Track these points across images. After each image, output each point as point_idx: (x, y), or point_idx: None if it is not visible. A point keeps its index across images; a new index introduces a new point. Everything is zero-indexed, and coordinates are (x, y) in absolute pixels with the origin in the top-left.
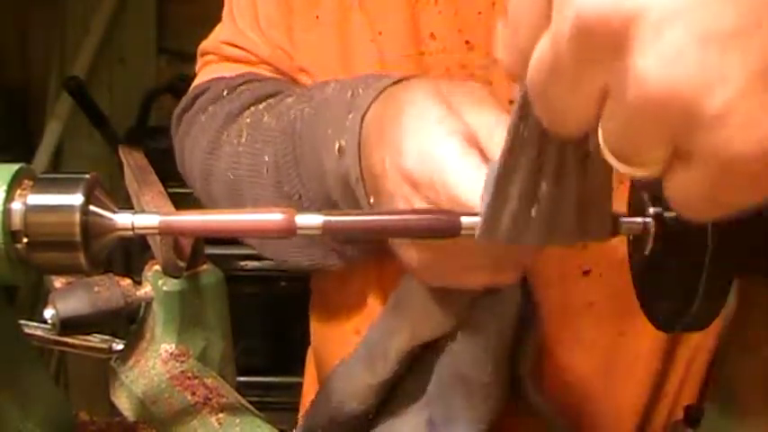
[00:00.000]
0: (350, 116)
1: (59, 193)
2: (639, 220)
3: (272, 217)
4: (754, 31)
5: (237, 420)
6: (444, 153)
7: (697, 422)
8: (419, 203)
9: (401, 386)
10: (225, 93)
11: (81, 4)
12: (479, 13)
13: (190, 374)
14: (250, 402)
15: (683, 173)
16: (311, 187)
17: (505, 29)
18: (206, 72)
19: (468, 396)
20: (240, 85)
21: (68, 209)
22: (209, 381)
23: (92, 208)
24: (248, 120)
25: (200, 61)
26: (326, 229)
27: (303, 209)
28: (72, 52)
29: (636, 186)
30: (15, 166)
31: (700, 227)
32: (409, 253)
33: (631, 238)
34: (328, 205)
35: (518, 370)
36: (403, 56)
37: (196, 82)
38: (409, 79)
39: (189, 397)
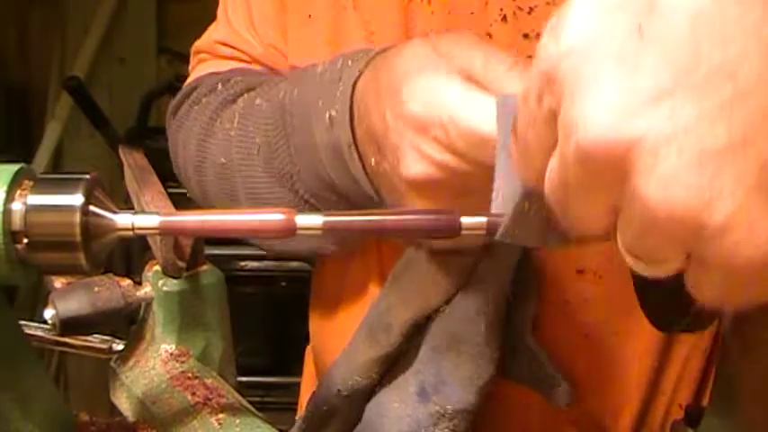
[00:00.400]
0: (340, 85)
1: (59, 193)
2: None
3: (273, 217)
4: (746, 146)
5: (237, 421)
6: (448, 91)
7: (697, 422)
8: (428, 147)
9: (404, 358)
10: (219, 85)
11: (81, 4)
12: (472, 13)
13: (190, 375)
14: (250, 402)
15: (700, 275)
16: (302, 163)
17: (517, 148)
18: (199, 70)
19: (460, 358)
20: (233, 77)
21: (68, 209)
22: (209, 381)
23: (92, 208)
24: (241, 105)
25: (193, 60)
26: (327, 229)
27: (293, 189)
28: (72, 52)
29: None
30: (15, 167)
31: None
32: (414, 203)
33: None
34: (318, 182)
35: (517, 333)
36: None
37: (189, 79)
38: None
39: (189, 397)
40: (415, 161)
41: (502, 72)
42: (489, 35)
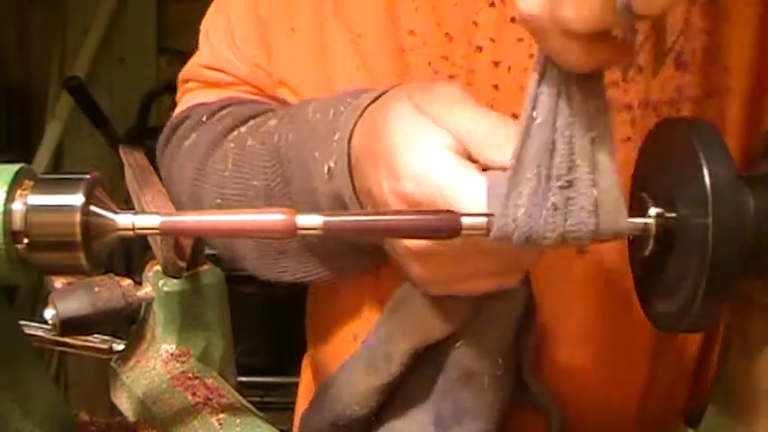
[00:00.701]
0: (335, 138)
1: (60, 193)
2: (639, 220)
3: (273, 217)
4: None
5: (238, 420)
6: (440, 171)
7: (697, 422)
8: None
9: (405, 387)
10: (205, 118)
11: (81, 4)
12: (455, 4)
13: (190, 375)
14: (250, 402)
15: None
16: (303, 207)
17: None
18: (186, 100)
19: (478, 390)
20: (220, 110)
21: (69, 209)
22: (209, 381)
23: (92, 208)
24: (232, 144)
25: (180, 89)
26: (327, 230)
27: None
28: (72, 52)
29: (635, 186)
30: (16, 167)
31: (700, 227)
32: (413, 268)
33: (631, 238)
34: None
35: (520, 361)
36: (384, 55)
37: (177, 110)
38: (386, 95)
39: (189, 397)
40: None
41: (487, 130)
42: (475, 24)
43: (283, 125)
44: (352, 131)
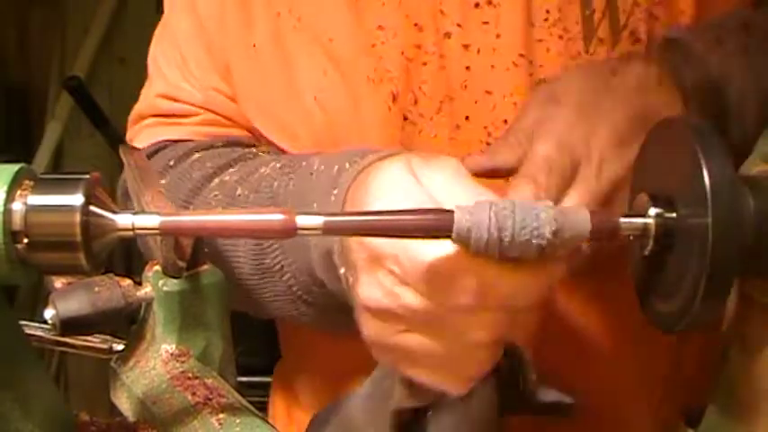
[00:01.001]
0: (334, 193)
1: (60, 193)
2: (639, 220)
3: (273, 217)
4: None
5: (238, 420)
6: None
7: (697, 422)
8: (383, 276)
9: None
10: (172, 163)
11: (81, 4)
12: None
13: (190, 375)
14: (250, 402)
15: None
16: (294, 259)
17: None
18: (144, 137)
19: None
20: (188, 153)
21: (69, 209)
22: (209, 381)
23: (92, 208)
24: (216, 193)
25: (134, 128)
26: (327, 230)
27: (284, 282)
28: (72, 52)
29: (635, 186)
30: (16, 167)
31: (699, 227)
32: (364, 322)
33: (631, 238)
34: (310, 278)
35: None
36: (357, 54)
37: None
38: (391, 157)
39: (189, 397)
40: (370, 285)
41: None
42: (442, 12)
43: (284, 173)
44: (348, 188)
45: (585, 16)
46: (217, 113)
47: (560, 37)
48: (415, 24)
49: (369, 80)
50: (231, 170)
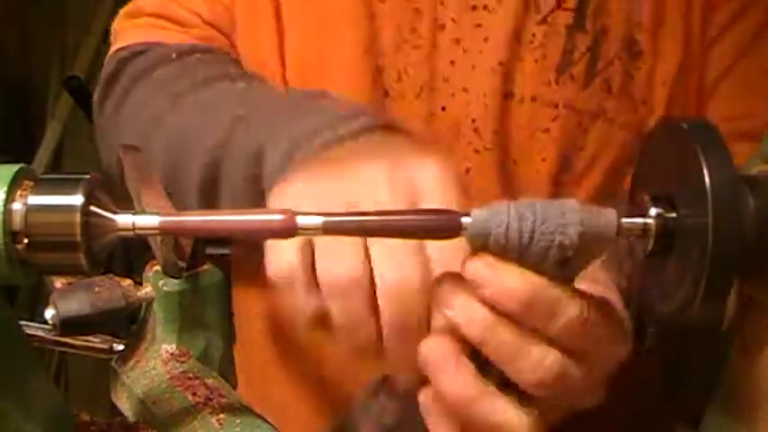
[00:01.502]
0: (306, 128)
1: (60, 193)
2: (639, 220)
3: (273, 217)
4: None
5: (238, 421)
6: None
7: (697, 422)
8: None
9: None
10: (174, 56)
11: (81, 4)
12: None
13: (190, 375)
14: None
15: None
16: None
17: None
18: (133, 34)
19: None
20: (191, 52)
21: (69, 209)
22: (209, 381)
23: (92, 208)
24: (222, 85)
25: (124, 23)
26: (327, 230)
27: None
28: (72, 52)
29: (636, 186)
30: (16, 167)
31: (700, 227)
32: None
33: (631, 238)
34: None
35: None
36: (352, 23)
37: (123, 42)
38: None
39: (189, 397)
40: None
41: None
42: (442, 3)
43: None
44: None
45: (566, 50)
46: (220, 31)
47: (536, 61)
48: (416, 9)
49: (359, 48)
50: (249, 79)
